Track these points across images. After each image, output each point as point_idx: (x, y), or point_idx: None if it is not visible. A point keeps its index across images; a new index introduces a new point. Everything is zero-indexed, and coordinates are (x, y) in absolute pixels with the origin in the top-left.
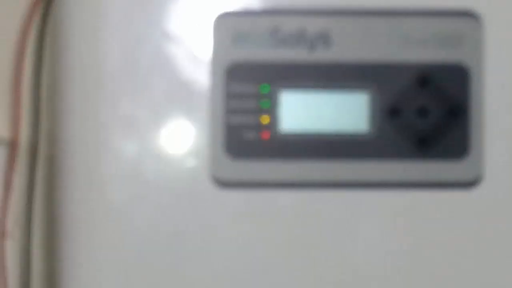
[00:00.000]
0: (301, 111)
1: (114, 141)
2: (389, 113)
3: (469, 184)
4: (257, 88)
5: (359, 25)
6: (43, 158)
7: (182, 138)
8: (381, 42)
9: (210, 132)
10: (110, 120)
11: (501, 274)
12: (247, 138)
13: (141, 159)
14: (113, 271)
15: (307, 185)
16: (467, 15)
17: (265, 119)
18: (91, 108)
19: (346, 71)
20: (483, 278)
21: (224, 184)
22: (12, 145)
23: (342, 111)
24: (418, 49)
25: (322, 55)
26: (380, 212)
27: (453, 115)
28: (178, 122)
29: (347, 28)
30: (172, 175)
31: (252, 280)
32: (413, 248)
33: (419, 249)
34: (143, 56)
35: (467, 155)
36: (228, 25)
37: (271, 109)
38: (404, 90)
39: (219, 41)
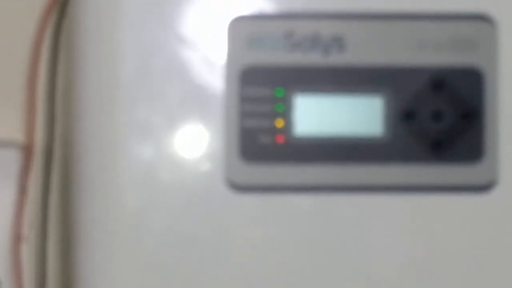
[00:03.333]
0: (316, 115)
1: (130, 145)
2: (403, 116)
3: (484, 187)
4: (272, 92)
5: (374, 29)
6: (58, 162)
7: (197, 142)
8: (395, 46)
9: (224, 136)
10: (126, 124)
11: None
12: (261, 142)
13: (156, 163)
14: (128, 274)
15: (321, 189)
16: (482, 19)
17: (279, 123)
18: (106, 113)
19: (361, 74)
20: (497, 281)
21: (239, 187)
22: (27, 149)
23: (356, 115)
24: (433, 53)
25: (336, 59)
26: (394, 216)
27: (467, 119)
28: (193, 126)
29: (362, 32)
30: (187, 179)
31: (267, 283)
32: (427, 252)
33: (434, 252)
34: (158, 60)
35: (481, 159)
36: (243, 29)
37: (286, 112)
38: (418, 94)
39: (234, 45)
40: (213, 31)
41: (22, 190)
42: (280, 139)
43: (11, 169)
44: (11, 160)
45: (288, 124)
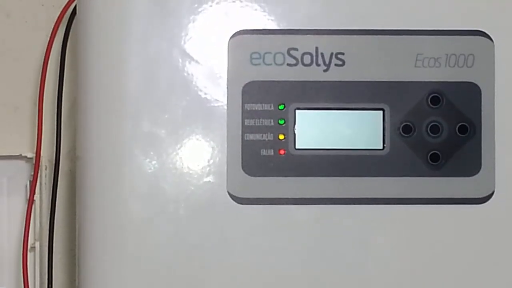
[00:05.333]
0: (316, 129)
1: (135, 157)
2: (402, 130)
3: (481, 200)
4: (273, 106)
5: (373, 44)
6: (65, 174)
7: (200, 155)
8: (394, 61)
9: (227, 149)
10: (131, 137)
11: None
12: (263, 155)
13: (161, 175)
14: (133, 283)
15: (322, 201)
16: (479, 35)
17: (280, 137)
18: (112, 126)
19: (360, 89)
20: None
21: (241, 199)
22: (35, 163)
23: (356, 129)
24: (431, 68)
25: (336, 73)
26: (392, 227)
27: (464, 132)
28: (196, 139)
29: (361, 47)
30: (191, 190)
31: None
32: (426, 263)
33: (432, 263)
34: (162, 75)
35: (478, 172)
36: (245, 44)
37: (287, 126)
38: (417, 108)
39: (236, 60)
40: (216, 46)
41: (30, 201)
42: (281, 153)
43: (19, 181)
44: (19, 173)
45: (289, 138)
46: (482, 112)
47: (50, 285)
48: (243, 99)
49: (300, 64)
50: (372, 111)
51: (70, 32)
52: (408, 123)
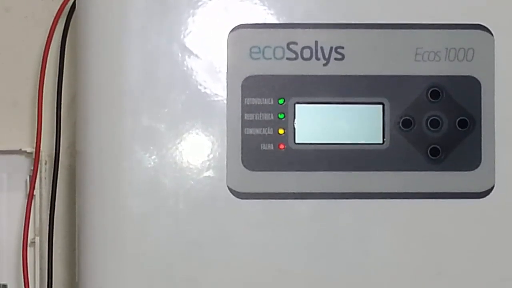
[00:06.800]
0: (316, 123)
1: (134, 152)
2: (402, 124)
3: (481, 194)
4: (273, 101)
5: (373, 38)
6: (65, 169)
7: (200, 150)
8: (394, 55)
9: (227, 144)
10: (130, 132)
11: None
12: (263, 149)
13: (160, 170)
14: (133, 279)
15: (322, 195)
16: (479, 28)
17: (280, 131)
18: (111, 120)
19: (360, 83)
20: (495, 284)
21: (241, 194)
22: (34, 158)
23: (355, 123)
24: (431, 62)
25: (336, 68)
26: (392, 221)
27: (464, 126)
28: (196, 134)
29: (361, 41)
30: (191, 185)
31: (269, 287)
32: (426, 257)
33: (432, 258)
34: (162, 69)
35: (478, 166)
36: (244, 39)
37: (287, 121)
38: (416, 102)
39: (236, 55)
40: (215, 41)
41: (30, 196)
42: (281, 147)
43: (18, 176)
44: (18, 168)
45: (289, 132)
46: (482, 106)
47: (50, 280)
48: (243, 93)
49: (299, 58)
50: (372, 105)
51: (70, 27)
52: (408, 117)
